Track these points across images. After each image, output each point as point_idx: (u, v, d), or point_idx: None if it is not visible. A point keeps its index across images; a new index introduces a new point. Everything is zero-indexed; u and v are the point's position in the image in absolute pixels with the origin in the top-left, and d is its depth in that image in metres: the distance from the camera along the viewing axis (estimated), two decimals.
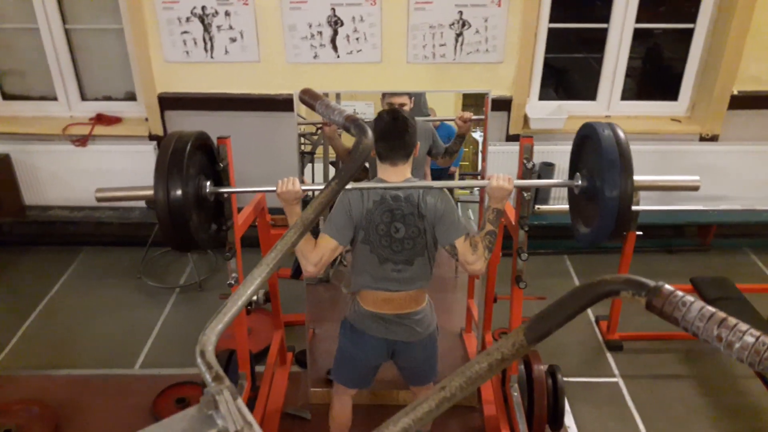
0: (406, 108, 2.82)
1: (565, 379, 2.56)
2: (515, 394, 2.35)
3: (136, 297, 3.70)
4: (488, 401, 2.72)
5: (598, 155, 1.85)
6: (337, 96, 3.22)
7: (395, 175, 2.00)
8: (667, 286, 0.65)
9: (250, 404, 2.61)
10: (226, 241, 2.27)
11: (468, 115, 2.72)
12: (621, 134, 1.87)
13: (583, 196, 2.00)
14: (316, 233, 2.02)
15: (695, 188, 1.94)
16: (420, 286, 2.12)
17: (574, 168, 2.09)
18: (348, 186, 1.89)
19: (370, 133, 1.09)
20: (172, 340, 3.35)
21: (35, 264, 4.06)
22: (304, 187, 1.94)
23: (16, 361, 3.20)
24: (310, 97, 1.31)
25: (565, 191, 3.95)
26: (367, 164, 3.04)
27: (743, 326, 0.60)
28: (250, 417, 0.70)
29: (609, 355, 3.21)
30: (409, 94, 2.87)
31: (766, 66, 3.79)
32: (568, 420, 2.77)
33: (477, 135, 3.36)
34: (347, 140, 2.87)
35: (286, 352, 3.05)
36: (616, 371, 3.10)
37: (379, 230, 2.02)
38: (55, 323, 3.49)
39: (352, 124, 1.13)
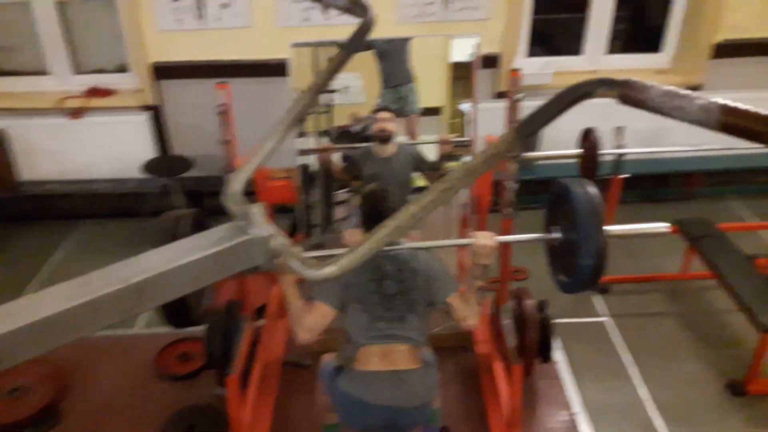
0: (393, 131, 2.96)
1: (555, 320, 2.66)
2: (506, 321, 2.46)
3: None
4: (481, 341, 2.82)
5: (571, 212, 1.81)
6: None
7: None
8: (633, 78, 0.72)
9: (252, 352, 2.71)
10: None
11: (451, 137, 3.13)
12: (592, 192, 1.79)
13: (560, 248, 1.94)
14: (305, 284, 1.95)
15: (665, 234, 1.93)
16: (414, 343, 2.03)
17: (549, 222, 2.04)
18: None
19: (371, 11, 1.19)
20: None
21: (32, 239, 4.10)
22: None
23: None
24: None
25: (559, 141, 4.05)
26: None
27: (694, 94, 0.68)
28: (277, 229, 0.82)
29: (596, 298, 3.32)
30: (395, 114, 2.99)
31: (748, 13, 3.83)
32: (559, 356, 2.89)
33: (463, 106, 3.41)
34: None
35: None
36: (603, 312, 3.21)
37: (370, 287, 2.02)
38: None
39: (354, 4, 1.24)
